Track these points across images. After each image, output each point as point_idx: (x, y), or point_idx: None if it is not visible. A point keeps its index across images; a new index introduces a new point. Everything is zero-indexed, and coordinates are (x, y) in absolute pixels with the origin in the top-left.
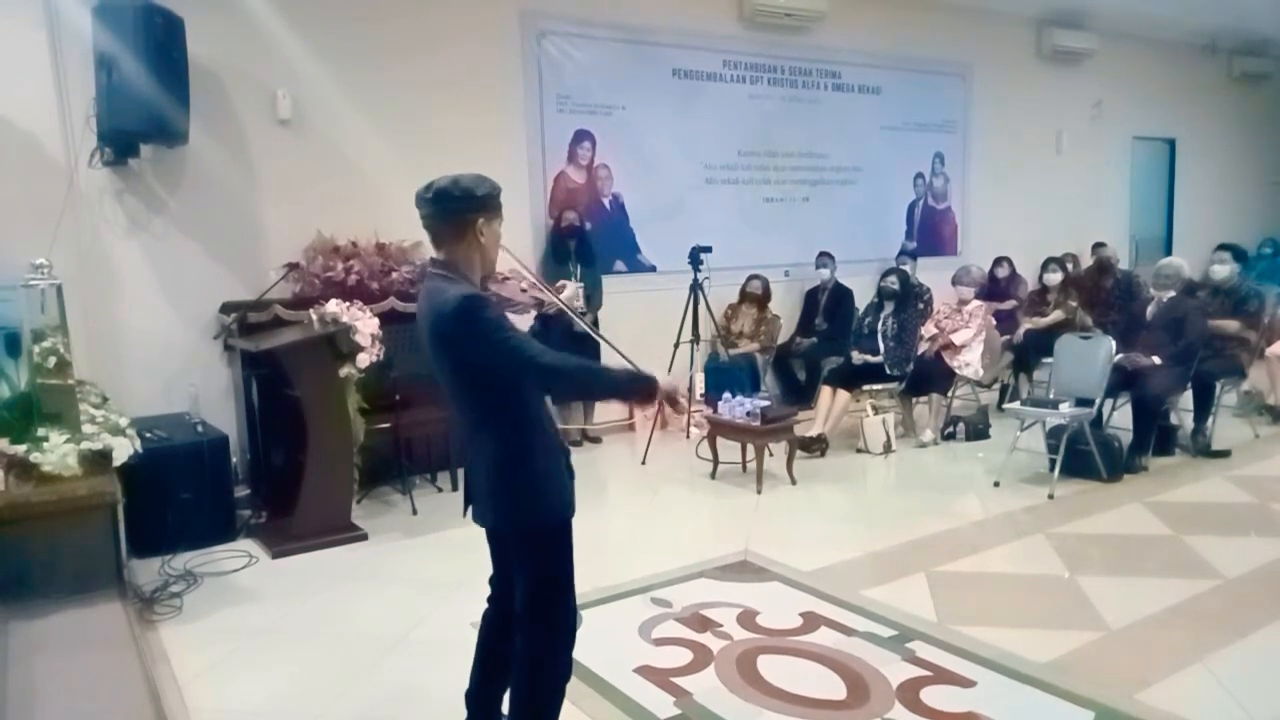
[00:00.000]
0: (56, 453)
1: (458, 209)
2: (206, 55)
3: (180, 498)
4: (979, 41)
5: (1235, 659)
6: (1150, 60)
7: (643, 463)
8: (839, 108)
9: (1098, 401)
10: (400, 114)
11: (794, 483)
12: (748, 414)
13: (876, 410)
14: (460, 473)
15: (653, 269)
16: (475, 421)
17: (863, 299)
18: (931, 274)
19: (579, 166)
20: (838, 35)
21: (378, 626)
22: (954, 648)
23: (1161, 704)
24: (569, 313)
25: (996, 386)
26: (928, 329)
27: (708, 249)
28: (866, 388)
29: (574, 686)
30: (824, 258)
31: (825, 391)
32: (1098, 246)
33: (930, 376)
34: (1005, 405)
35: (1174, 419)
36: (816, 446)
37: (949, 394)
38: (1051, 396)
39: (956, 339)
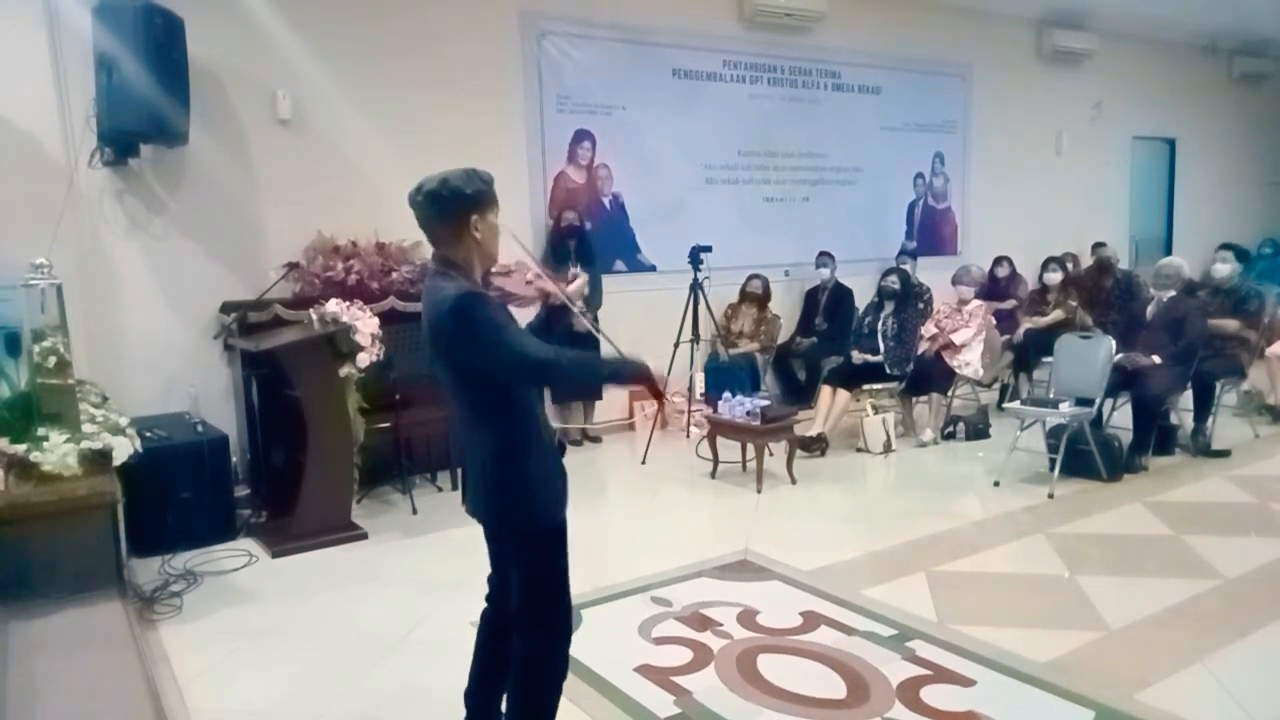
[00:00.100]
0: (56, 452)
1: (449, 209)
2: (206, 55)
3: (180, 497)
4: (979, 42)
5: (1235, 659)
6: (1150, 60)
7: (643, 462)
8: (839, 108)
9: (1098, 401)
10: (400, 114)
11: (794, 482)
12: (748, 413)
13: (876, 410)
14: (460, 471)
15: (653, 269)
16: (472, 419)
17: (863, 299)
18: (931, 274)
19: (579, 166)
20: (838, 35)
21: (378, 626)
22: (954, 647)
23: (1161, 704)
24: (571, 308)
25: (996, 386)
26: (928, 329)
27: (708, 249)
28: (866, 387)
29: (574, 685)
30: (824, 257)
31: (825, 391)
32: (1098, 246)
33: (930, 376)
34: (1005, 405)
35: (1174, 419)
36: (816, 446)
37: (949, 394)
38: (1051, 396)
39: (956, 339)
